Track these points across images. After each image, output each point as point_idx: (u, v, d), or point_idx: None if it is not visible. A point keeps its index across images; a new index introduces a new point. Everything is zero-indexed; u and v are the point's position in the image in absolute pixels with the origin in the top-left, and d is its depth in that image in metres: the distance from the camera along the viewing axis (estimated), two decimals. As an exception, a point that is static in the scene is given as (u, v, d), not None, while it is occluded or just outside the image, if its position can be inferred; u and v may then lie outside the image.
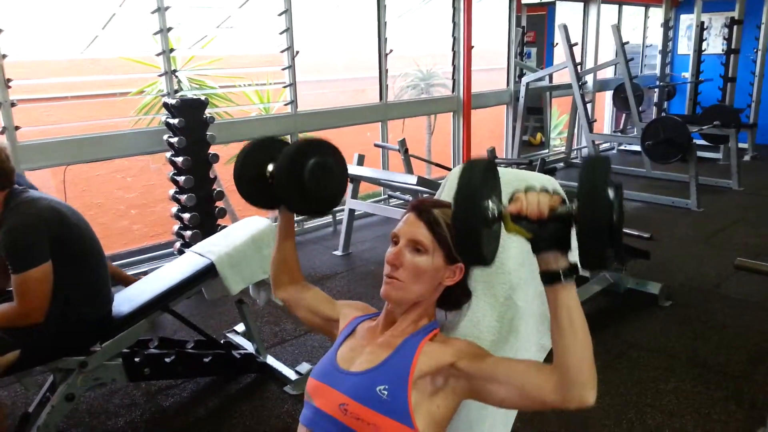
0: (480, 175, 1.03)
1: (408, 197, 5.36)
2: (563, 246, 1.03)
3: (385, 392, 1.19)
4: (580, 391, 1.03)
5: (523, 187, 1.04)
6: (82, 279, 2.29)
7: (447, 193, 1.63)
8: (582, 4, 8.13)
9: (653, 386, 2.87)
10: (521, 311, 1.48)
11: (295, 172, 1.43)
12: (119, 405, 2.82)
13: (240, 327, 3.27)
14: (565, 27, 6.72)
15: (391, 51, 5.78)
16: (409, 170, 5.23)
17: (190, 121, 3.93)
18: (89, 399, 2.84)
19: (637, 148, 6.82)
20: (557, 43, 7.37)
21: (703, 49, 8.39)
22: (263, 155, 1.51)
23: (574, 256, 1.55)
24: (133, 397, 2.88)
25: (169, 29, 4.24)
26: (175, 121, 3.89)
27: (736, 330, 3.39)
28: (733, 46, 7.74)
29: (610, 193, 0.97)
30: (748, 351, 3.17)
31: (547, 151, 8.19)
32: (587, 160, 1.01)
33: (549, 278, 1.04)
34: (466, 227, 1.01)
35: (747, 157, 7.96)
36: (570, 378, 1.04)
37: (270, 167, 1.49)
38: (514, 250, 1.45)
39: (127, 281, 2.82)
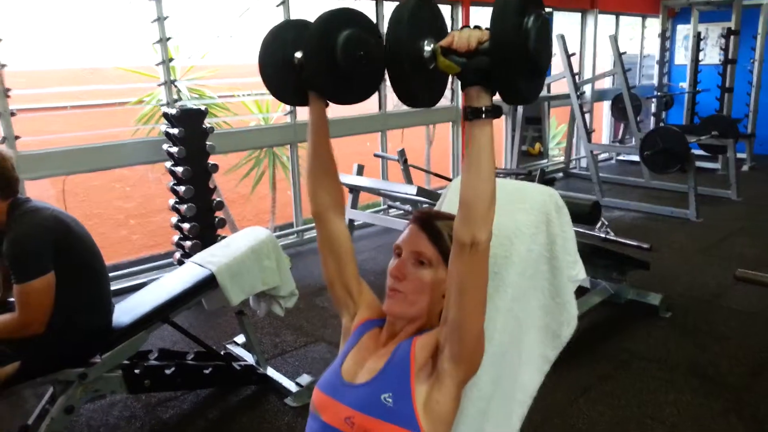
0: (409, 12, 1.05)
1: (408, 207, 5.36)
2: (485, 78, 1.05)
3: (390, 400, 1.19)
4: (473, 228, 1.10)
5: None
6: (84, 290, 2.29)
7: (447, 204, 1.63)
8: (579, 14, 8.17)
9: (654, 398, 2.86)
10: (522, 323, 1.48)
11: (327, 46, 1.21)
12: (119, 417, 2.80)
13: (240, 338, 3.26)
14: (562, 37, 6.76)
15: (390, 61, 5.80)
16: (409, 180, 5.23)
17: (190, 131, 3.94)
18: (89, 411, 2.83)
19: (636, 158, 6.84)
20: (555, 54, 7.39)
21: (700, 59, 8.43)
22: (289, 41, 1.31)
23: (578, 268, 1.55)
24: (133, 409, 2.86)
25: (169, 39, 4.25)
26: (175, 130, 3.89)
27: (737, 341, 3.39)
28: (730, 57, 7.78)
29: (528, 20, 0.97)
30: (748, 362, 3.16)
31: (546, 161, 8.21)
32: None
33: (470, 113, 1.07)
34: (394, 66, 1.04)
35: (745, 168, 7.98)
36: (467, 214, 1.11)
37: (298, 54, 1.29)
38: (516, 261, 1.45)
39: None
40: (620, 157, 8.86)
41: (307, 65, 1.26)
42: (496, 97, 1.10)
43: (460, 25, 6.30)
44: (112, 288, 3.04)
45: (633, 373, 3.09)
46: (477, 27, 1.05)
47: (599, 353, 3.23)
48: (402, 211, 5.76)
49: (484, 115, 1.06)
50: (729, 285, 4.10)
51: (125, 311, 2.54)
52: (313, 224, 5.81)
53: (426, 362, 1.23)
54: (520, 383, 1.49)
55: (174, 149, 3.91)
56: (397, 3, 1.08)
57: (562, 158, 8.34)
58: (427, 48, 1.06)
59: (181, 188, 3.94)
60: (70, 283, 2.20)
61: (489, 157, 1.08)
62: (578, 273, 1.55)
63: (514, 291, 1.45)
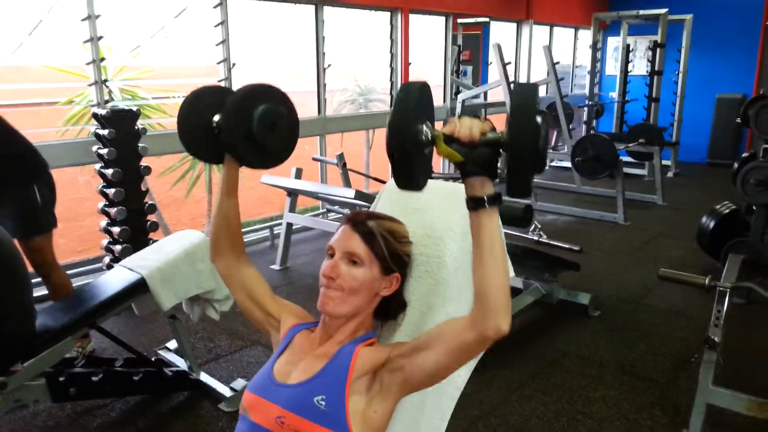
0: (416, 96, 1.05)
1: (346, 211, 5.36)
2: (490, 172, 1.06)
3: (323, 402, 1.19)
4: (496, 320, 1.07)
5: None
6: (3, 295, 2.18)
7: (382, 205, 1.64)
8: (515, 24, 8.39)
9: (584, 394, 2.95)
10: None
11: (244, 117, 1.34)
12: (42, 427, 2.68)
13: (173, 344, 3.18)
14: (498, 46, 6.91)
15: (329, 65, 5.80)
16: (348, 184, 5.23)
17: (121, 132, 3.82)
18: (9, 422, 2.69)
19: (568, 164, 7.06)
20: (492, 62, 7.56)
21: (629, 70, 8.79)
22: (207, 105, 1.40)
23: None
24: (58, 418, 2.75)
25: (100, 38, 4.12)
26: (105, 132, 3.77)
27: (661, 338, 3.54)
28: (656, 68, 8.13)
29: (538, 119, 1.00)
30: (672, 358, 3.31)
31: (482, 166, 8.35)
32: (517, 87, 1.04)
33: (474, 203, 1.08)
34: (401, 148, 1.03)
35: (670, 174, 8.37)
36: (488, 306, 1.08)
37: (216, 117, 1.38)
38: (448, 261, 1.47)
39: None
40: (553, 163, 9.13)
41: (225, 133, 1.35)
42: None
43: (399, 34, 6.36)
44: (36, 294, 2.92)
45: (564, 370, 3.18)
46: (476, 116, 1.06)
47: (532, 351, 3.32)
48: (341, 215, 5.75)
49: (488, 205, 1.06)
50: (654, 285, 4.29)
51: (50, 317, 2.44)
52: (252, 227, 5.73)
53: (366, 374, 1.23)
54: (452, 377, 1.51)
55: (104, 151, 3.79)
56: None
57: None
58: (426, 131, 1.05)
59: (111, 191, 3.82)
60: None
61: (501, 245, 1.08)
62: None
63: (447, 291, 1.47)
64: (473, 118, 1.05)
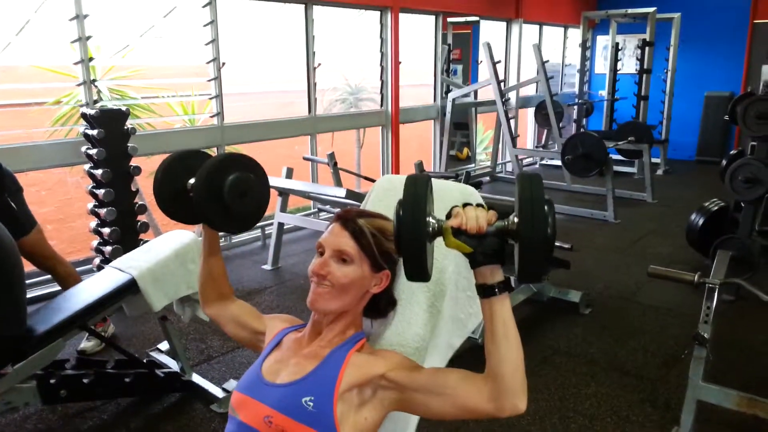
0: (424, 191, 1.05)
1: (338, 210, 5.36)
2: (499, 259, 1.06)
3: (311, 404, 1.19)
4: (513, 399, 1.07)
5: (461, 203, 1.07)
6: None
7: (372, 203, 1.64)
8: (505, 23, 8.41)
9: (575, 391, 2.97)
10: (442, 316, 1.50)
11: (215, 187, 1.41)
12: (33, 430, 2.66)
13: (164, 345, 3.17)
14: (488, 45, 6.93)
15: (319, 65, 5.79)
16: (338, 183, 5.23)
17: (110, 133, 3.80)
18: (-1, 425, 2.68)
19: (558, 162, 7.08)
20: (482, 61, 7.57)
21: (618, 68, 8.83)
22: (184, 169, 1.47)
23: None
24: (49, 421, 2.73)
25: (89, 38, 4.09)
26: (94, 132, 3.75)
27: (651, 335, 3.56)
28: (645, 67, 8.16)
29: (546, 209, 1.00)
30: (662, 355, 3.33)
31: (473, 165, 8.39)
32: (523, 177, 1.04)
33: (486, 291, 1.07)
34: (414, 244, 1.03)
35: (660, 171, 8.43)
36: (504, 387, 1.07)
37: (191, 181, 1.45)
38: (438, 258, 1.47)
39: None
40: (544, 162, 9.17)
41: (196, 199, 1.42)
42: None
43: (389, 33, 6.36)
44: (30, 296, 2.90)
45: (555, 367, 3.19)
46: (480, 206, 1.06)
47: (523, 349, 3.31)
48: (332, 215, 5.75)
49: (499, 292, 1.06)
50: (644, 282, 4.31)
51: (40, 319, 2.42)
52: (233, 232, 5.74)
53: (357, 384, 1.22)
54: None
55: (93, 151, 3.76)
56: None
57: (489, 162, 8.54)
58: (434, 224, 1.05)
59: (101, 191, 3.79)
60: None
61: (514, 328, 1.08)
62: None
63: (435, 288, 1.48)
64: (477, 208, 1.05)
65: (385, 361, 1.25)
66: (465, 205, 1.06)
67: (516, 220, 1.01)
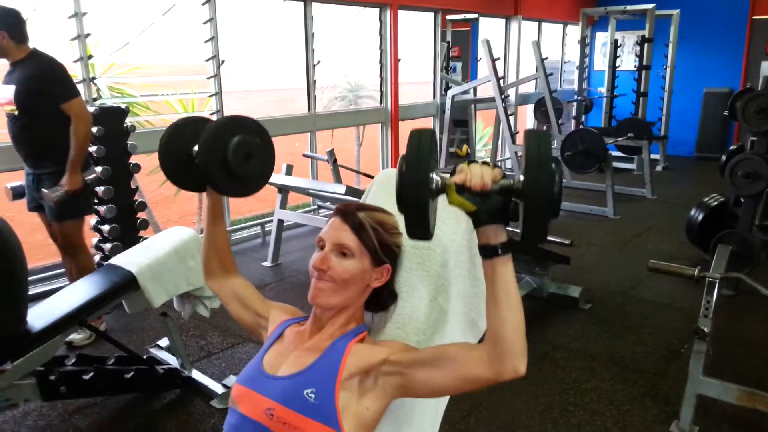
0: (427, 145, 1.02)
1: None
2: (503, 219, 1.04)
3: (313, 395, 1.19)
4: (513, 362, 1.07)
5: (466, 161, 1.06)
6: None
7: (372, 198, 1.64)
8: (504, 20, 8.40)
9: (575, 386, 2.97)
10: (444, 312, 1.50)
11: (218, 149, 1.38)
12: (32, 427, 2.67)
13: (164, 341, 3.17)
14: (487, 42, 6.92)
15: (319, 62, 5.79)
16: (338, 180, 5.23)
17: (110, 130, 3.79)
18: (-1, 422, 2.68)
19: (558, 158, 7.08)
20: (481, 58, 7.57)
21: (617, 65, 8.82)
22: (188, 136, 1.44)
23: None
24: (49, 417, 2.73)
25: (88, 35, 4.09)
26: (94, 129, 3.74)
27: (651, 330, 3.57)
28: (644, 63, 8.16)
29: (553, 167, 0.98)
30: (662, 349, 3.33)
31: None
32: (531, 134, 1.01)
33: (488, 252, 1.06)
34: (416, 199, 1.01)
35: (659, 168, 8.43)
36: (505, 349, 1.07)
37: (195, 147, 1.42)
38: (438, 252, 1.48)
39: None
40: (544, 159, 9.15)
41: (201, 163, 1.39)
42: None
43: (389, 31, 6.36)
44: (31, 292, 2.91)
45: (555, 362, 3.20)
46: (485, 163, 1.04)
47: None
48: (332, 211, 5.75)
49: (501, 253, 1.05)
50: (643, 277, 4.31)
51: (39, 315, 2.42)
52: (242, 224, 5.72)
53: (358, 372, 1.22)
54: None
55: (93, 148, 3.76)
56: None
57: (488, 159, 8.54)
58: (437, 180, 1.03)
59: (101, 189, 3.79)
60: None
61: (515, 290, 1.07)
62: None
63: (437, 282, 1.47)
64: (483, 165, 1.03)
65: (387, 348, 1.25)
66: (470, 162, 1.04)
67: (522, 178, 0.98)
